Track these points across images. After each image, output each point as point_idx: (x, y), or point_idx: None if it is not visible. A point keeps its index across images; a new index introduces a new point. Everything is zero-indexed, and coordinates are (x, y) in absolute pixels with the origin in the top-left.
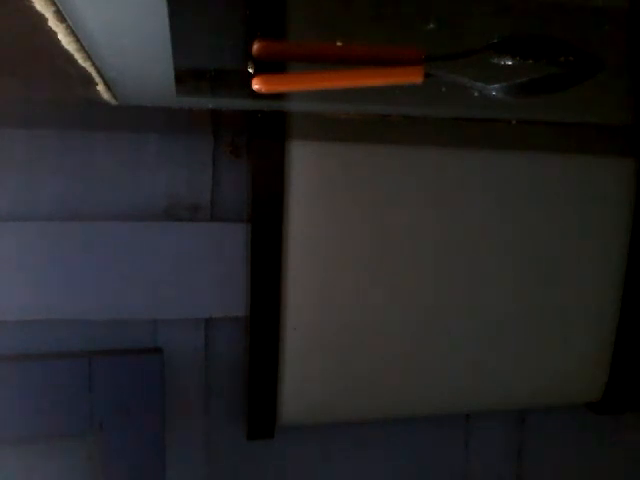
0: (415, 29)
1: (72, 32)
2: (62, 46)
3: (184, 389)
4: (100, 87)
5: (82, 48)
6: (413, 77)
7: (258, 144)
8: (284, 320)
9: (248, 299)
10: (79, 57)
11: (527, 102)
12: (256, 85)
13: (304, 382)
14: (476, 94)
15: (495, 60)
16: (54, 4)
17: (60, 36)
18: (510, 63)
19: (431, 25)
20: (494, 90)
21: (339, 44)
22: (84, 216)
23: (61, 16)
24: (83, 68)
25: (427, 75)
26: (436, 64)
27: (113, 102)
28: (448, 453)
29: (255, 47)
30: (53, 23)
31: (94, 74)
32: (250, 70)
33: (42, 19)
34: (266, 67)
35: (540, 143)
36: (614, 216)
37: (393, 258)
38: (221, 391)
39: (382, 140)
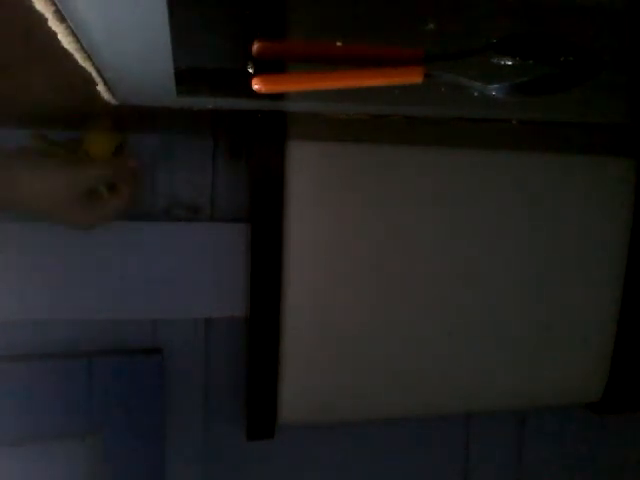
0: (415, 29)
1: (72, 32)
2: (62, 46)
3: (184, 389)
4: (100, 87)
5: (82, 48)
6: (413, 77)
7: (258, 144)
8: (284, 320)
9: (248, 299)
10: (79, 57)
11: (527, 102)
12: (256, 85)
13: (304, 382)
14: (476, 94)
15: (495, 60)
16: (54, 4)
17: (60, 36)
18: (510, 63)
19: (431, 25)
20: (494, 90)
21: (339, 44)
22: None
23: (61, 16)
24: (83, 68)
25: (427, 75)
26: (436, 64)
27: (113, 102)
28: (448, 453)
29: (255, 47)
30: (53, 23)
31: (94, 74)
32: (250, 70)
33: (42, 19)
34: (266, 67)
35: (540, 143)
36: (614, 216)
37: (393, 258)
38: (221, 391)
39: (382, 140)
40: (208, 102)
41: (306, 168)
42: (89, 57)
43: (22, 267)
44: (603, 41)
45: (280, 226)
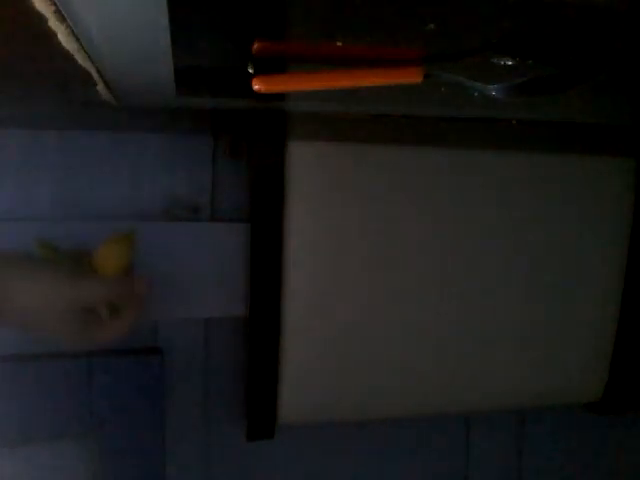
0: (415, 29)
1: (72, 32)
2: (62, 46)
3: (184, 389)
4: (100, 87)
5: (82, 48)
6: (413, 77)
7: (258, 144)
8: (284, 320)
9: (248, 299)
10: (79, 57)
11: (527, 102)
12: (256, 85)
13: (304, 382)
14: (476, 94)
15: (495, 60)
16: (54, 4)
17: (60, 36)
18: (510, 63)
19: (431, 25)
20: (494, 90)
21: (339, 44)
22: (84, 216)
23: (61, 16)
24: (83, 68)
25: (427, 75)
26: (436, 64)
27: (113, 102)
28: (448, 453)
29: (255, 47)
30: (53, 23)
31: (94, 74)
32: (250, 70)
33: (42, 19)
34: (266, 67)
35: (540, 143)
36: (614, 216)
37: (394, 258)
38: (221, 391)
39: (382, 140)
40: (208, 102)
41: (306, 168)
42: (89, 57)
43: None
44: (603, 41)
45: (280, 226)
